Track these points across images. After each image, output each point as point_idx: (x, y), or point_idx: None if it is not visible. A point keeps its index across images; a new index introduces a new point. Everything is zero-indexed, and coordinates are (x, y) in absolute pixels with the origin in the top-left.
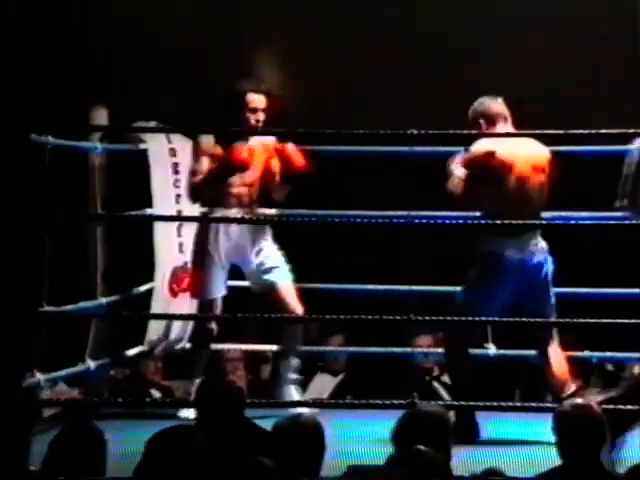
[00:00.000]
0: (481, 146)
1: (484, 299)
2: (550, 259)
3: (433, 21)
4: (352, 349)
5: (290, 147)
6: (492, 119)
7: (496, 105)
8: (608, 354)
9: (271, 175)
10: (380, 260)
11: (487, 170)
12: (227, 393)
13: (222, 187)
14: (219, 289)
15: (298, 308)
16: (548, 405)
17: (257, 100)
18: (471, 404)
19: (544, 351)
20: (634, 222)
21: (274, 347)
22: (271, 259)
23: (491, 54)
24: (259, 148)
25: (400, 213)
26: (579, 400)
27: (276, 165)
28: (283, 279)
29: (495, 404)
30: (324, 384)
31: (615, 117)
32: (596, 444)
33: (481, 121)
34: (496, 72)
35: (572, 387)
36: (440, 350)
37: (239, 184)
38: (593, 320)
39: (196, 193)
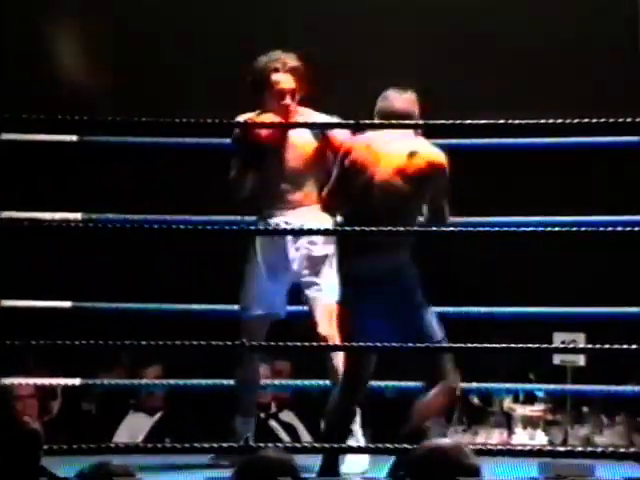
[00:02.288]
0: None
1: None
2: None
3: None
4: (172, 382)
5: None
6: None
7: (397, 101)
8: (473, 385)
9: (326, 170)
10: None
11: None
12: (22, 437)
13: (259, 184)
14: (258, 307)
15: (331, 337)
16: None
17: (283, 81)
18: (321, 446)
19: None
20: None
21: (72, 381)
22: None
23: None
24: (303, 137)
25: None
26: (438, 441)
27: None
28: (325, 298)
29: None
30: (138, 424)
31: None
32: None
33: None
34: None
35: None
36: (278, 382)
37: (278, 180)
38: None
39: (231, 191)
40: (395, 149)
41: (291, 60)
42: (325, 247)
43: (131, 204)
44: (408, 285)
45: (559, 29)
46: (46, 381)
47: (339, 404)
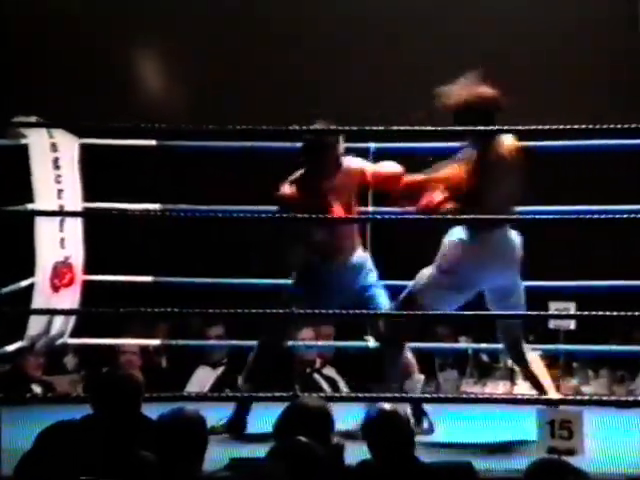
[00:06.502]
0: None
1: None
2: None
3: None
4: (233, 342)
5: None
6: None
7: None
8: (483, 345)
9: None
10: (263, 254)
11: None
12: (127, 387)
13: None
14: None
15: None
16: (426, 396)
17: None
18: (356, 395)
19: None
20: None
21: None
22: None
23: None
24: None
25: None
26: (385, 406)
27: None
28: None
29: (375, 395)
30: (205, 377)
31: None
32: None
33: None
34: None
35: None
36: (322, 343)
37: None
38: (470, 312)
39: None
40: None
41: None
42: None
43: (199, 197)
44: None
45: (559, 29)
46: (131, 341)
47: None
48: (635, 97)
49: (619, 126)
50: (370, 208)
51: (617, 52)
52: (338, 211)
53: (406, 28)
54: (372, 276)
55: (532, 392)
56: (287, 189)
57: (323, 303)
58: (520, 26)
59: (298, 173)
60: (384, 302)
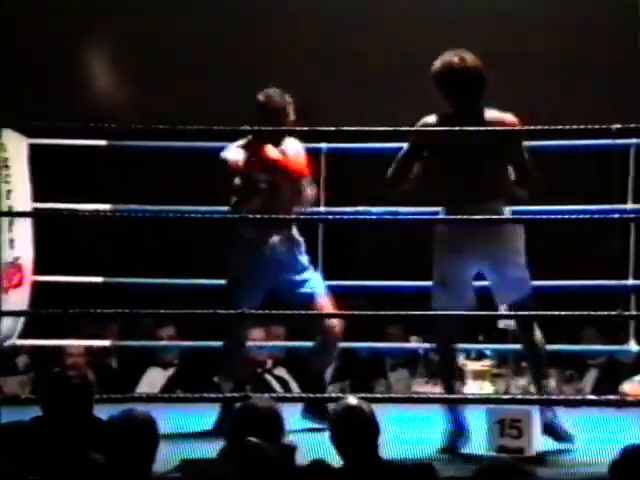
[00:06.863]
0: None
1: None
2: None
3: None
4: (184, 343)
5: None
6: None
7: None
8: (434, 345)
9: None
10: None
11: None
12: (78, 388)
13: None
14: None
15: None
16: (378, 396)
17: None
18: (307, 396)
19: None
20: None
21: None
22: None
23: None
24: None
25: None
26: (350, 401)
27: None
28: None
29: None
30: (155, 378)
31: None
32: (370, 440)
33: None
34: None
35: None
36: (273, 343)
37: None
38: (421, 312)
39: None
40: None
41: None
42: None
43: (150, 197)
44: None
45: (559, 29)
46: (81, 342)
47: None
48: (635, 97)
49: (619, 126)
50: (322, 208)
51: (617, 52)
52: (285, 162)
53: (405, 27)
54: (305, 258)
55: (481, 392)
56: (232, 154)
57: (260, 280)
58: (520, 26)
59: (244, 139)
60: (319, 286)
